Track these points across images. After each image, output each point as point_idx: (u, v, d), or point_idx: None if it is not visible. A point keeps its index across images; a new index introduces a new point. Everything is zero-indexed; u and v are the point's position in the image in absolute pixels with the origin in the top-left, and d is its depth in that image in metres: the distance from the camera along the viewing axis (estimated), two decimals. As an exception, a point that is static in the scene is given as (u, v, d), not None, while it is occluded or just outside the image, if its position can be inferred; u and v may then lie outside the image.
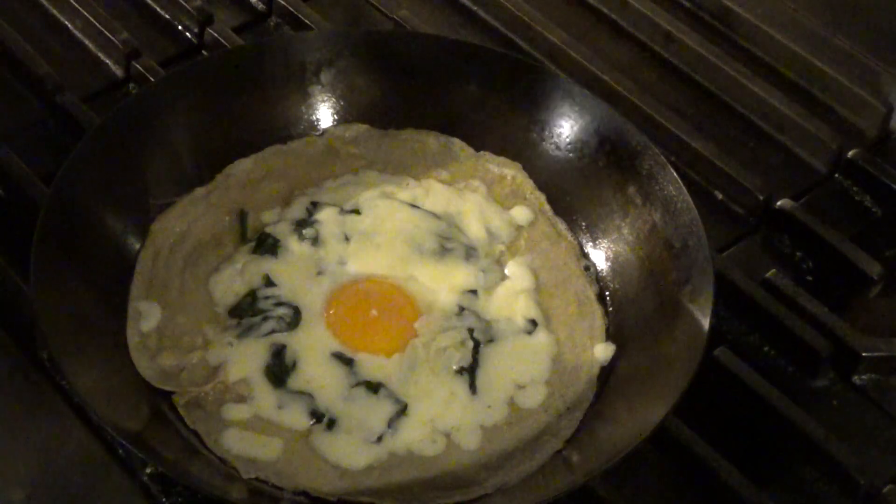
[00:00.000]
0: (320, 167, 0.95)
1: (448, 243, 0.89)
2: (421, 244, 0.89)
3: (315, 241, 0.89)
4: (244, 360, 0.82)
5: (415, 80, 0.96)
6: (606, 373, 0.85)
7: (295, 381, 0.82)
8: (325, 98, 0.97)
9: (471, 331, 0.85)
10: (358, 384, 0.82)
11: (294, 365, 0.82)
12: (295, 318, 0.84)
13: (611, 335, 0.87)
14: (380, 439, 0.80)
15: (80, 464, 0.78)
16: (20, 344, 0.83)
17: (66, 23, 1.07)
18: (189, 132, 0.91)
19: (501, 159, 0.96)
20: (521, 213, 0.93)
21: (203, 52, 1.06)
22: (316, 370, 0.82)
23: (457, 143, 0.97)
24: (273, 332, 0.84)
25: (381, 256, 0.88)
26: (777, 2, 1.13)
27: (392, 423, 0.80)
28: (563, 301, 0.89)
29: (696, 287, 0.83)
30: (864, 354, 0.87)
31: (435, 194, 0.93)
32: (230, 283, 0.86)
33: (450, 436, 0.81)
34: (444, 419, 0.81)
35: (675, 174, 0.88)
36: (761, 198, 0.97)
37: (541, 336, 0.86)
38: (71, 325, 0.79)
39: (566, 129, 0.94)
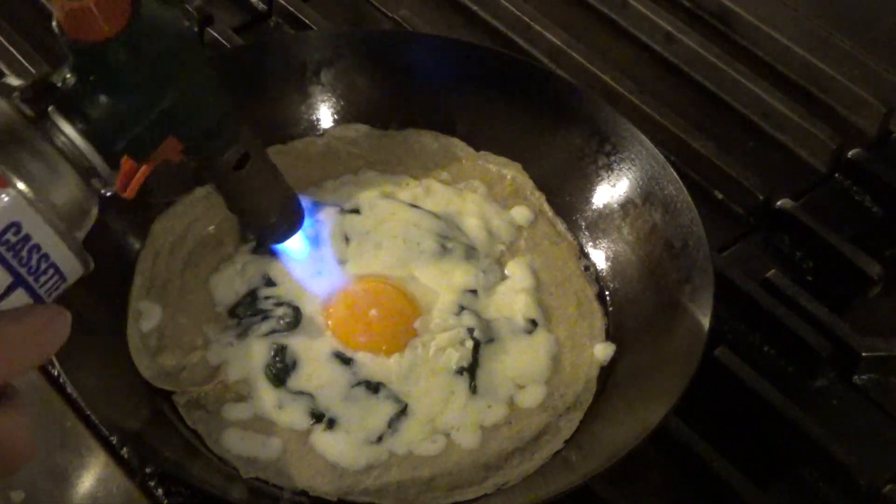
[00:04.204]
0: (320, 167, 0.95)
1: (448, 243, 0.89)
2: (421, 244, 0.89)
3: (315, 241, 0.88)
4: (244, 359, 0.82)
5: (415, 80, 0.97)
6: (606, 372, 0.85)
7: (295, 381, 0.82)
8: (326, 98, 0.97)
9: (471, 330, 0.85)
10: (358, 384, 0.82)
11: (294, 365, 0.82)
12: (295, 318, 0.84)
13: (611, 335, 0.88)
14: (380, 439, 0.80)
15: (81, 464, 0.78)
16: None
17: (67, 22, 1.07)
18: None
19: (501, 159, 0.96)
20: (521, 213, 0.93)
21: (203, 51, 1.06)
22: (316, 370, 0.82)
23: (457, 143, 0.97)
24: (273, 332, 0.84)
25: (381, 256, 0.88)
26: (777, 2, 1.13)
27: (392, 422, 0.80)
28: (563, 301, 0.89)
29: (696, 287, 0.83)
30: (864, 354, 0.87)
31: (435, 194, 0.93)
32: (230, 282, 0.86)
33: (449, 435, 0.81)
34: (443, 419, 0.81)
35: (675, 174, 0.88)
36: (761, 197, 0.97)
37: (541, 336, 0.86)
38: (70, 325, 0.78)
39: (566, 128, 0.94)
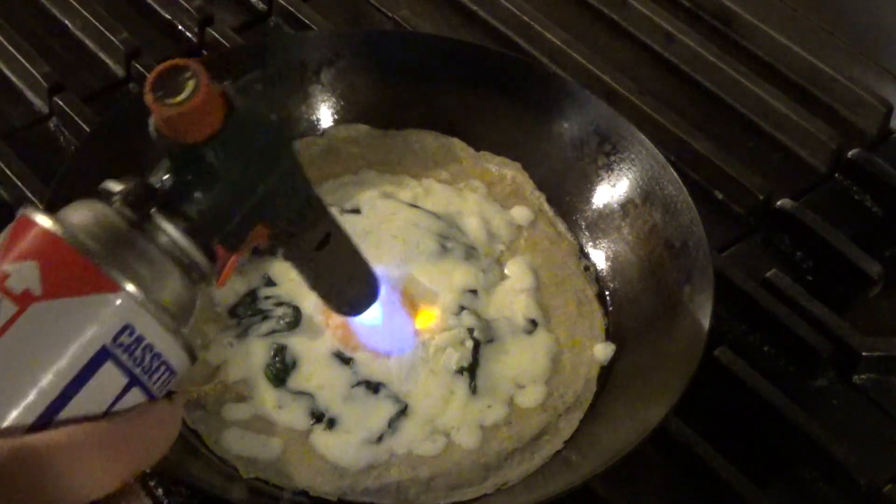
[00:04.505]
0: (320, 167, 0.95)
1: (448, 243, 0.89)
2: (420, 244, 0.89)
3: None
4: (244, 359, 0.82)
5: (415, 80, 0.96)
6: (606, 372, 0.85)
7: (295, 381, 0.82)
8: (326, 98, 0.97)
9: (470, 330, 0.84)
10: (358, 384, 0.82)
11: (294, 365, 0.82)
12: (295, 318, 0.84)
13: (611, 335, 0.88)
14: (380, 439, 0.80)
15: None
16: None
17: (66, 22, 1.07)
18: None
19: (501, 159, 0.96)
20: (521, 213, 0.93)
21: (203, 51, 1.06)
22: (316, 370, 0.82)
23: (457, 143, 0.97)
24: (273, 331, 0.84)
25: (381, 256, 0.88)
26: (777, 1, 1.13)
27: (392, 422, 0.80)
28: (563, 301, 0.89)
29: (696, 287, 0.83)
30: (864, 354, 0.87)
31: (435, 194, 0.93)
32: (230, 282, 0.86)
33: (450, 435, 0.81)
34: (444, 419, 0.81)
35: (674, 174, 0.88)
36: (761, 197, 0.97)
37: (541, 336, 0.86)
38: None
39: (566, 128, 0.94)
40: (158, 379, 0.52)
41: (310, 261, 0.66)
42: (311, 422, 0.80)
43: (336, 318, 0.84)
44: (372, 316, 0.78)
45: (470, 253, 0.89)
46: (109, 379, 0.51)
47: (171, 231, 0.54)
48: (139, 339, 0.51)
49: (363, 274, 0.70)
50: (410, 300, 0.86)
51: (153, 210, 0.54)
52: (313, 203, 0.63)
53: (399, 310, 0.85)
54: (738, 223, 0.98)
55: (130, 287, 0.51)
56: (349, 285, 0.70)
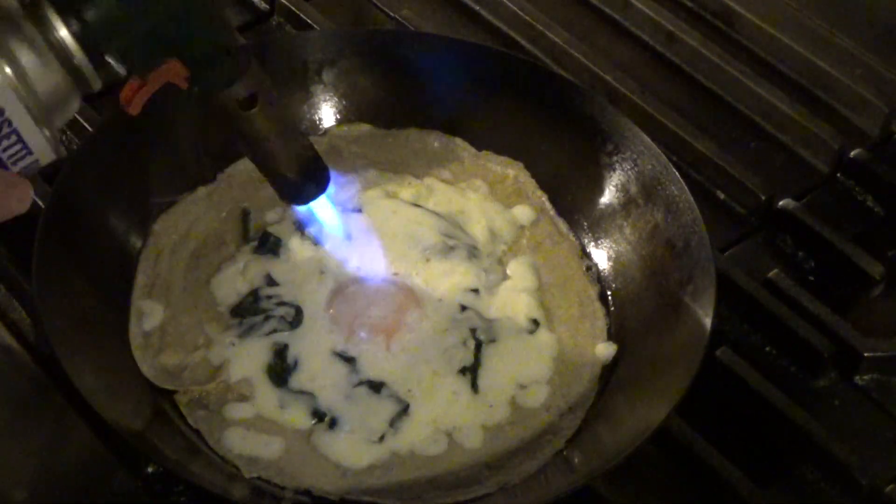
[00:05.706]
0: (322, 166, 0.95)
1: (450, 242, 0.89)
2: (423, 243, 0.89)
3: (317, 240, 0.89)
4: (246, 359, 0.82)
5: (417, 79, 0.97)
6: (608, 372, 0.85)
7: (297, 381, 0.82)
8: (328, 97, 0.97)
9: (473, 330, 0.85)
10: (360, 384, 0.82)
11: (296, 364, 0.82)
12: (297, 318, 0.84)
13: (612, 335, 0.88)
14: (382, 439, 0.80)
15: (83, 463, 0.78)
16: (22, 342, 0.83)
17: (69, 22, 1.07)
18: (192, 131, 0.91)
19: (503, 159, 0.96)
20: (523, 213, 0.93)
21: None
22: (317, 369, 0.82)
23: (459, 142, 0.97)
24: (275, 331, 0.84)
25: (383, 255, 0.88)
26: (779, 1, 1.13)
27: (394, 422, 0.80)
28: (564, 301, 0.89)
29: (697, 287, 0.83)
30: (865, 354, 0.87)
31: (437, 194, 0.93)
32: (232, 282, 0.86)
33: (452, 435, 0.81)
34: (446, 419, 0.81)
35: (676, 174, 0.88)
36: (763, 198, 0.97)
37: (543, 335, 0.86)
38: (73, 323, 0.79)
39: (568, 128, 0.94)
40: (10, 148, 0.55)
41: (235, 120, 0.65)
42: (313, 421, 0.80)
43: (338, 317, 0.84)
44: (323, 209, 0.76)
45: (472, 252, 0.89)
46: None
47: (61, 30, 0.56)
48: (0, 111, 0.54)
49: (305, 156, 0.68)
50: (412, 299, 0.86)
51: (48, 5, 0.55)
52: (233, 51, 0.62)
53: (350, 211, 0.84)
54: (739, 223, 0.98)
55: (6, 67, 0.54)
56: (288, 163, 0.68)
